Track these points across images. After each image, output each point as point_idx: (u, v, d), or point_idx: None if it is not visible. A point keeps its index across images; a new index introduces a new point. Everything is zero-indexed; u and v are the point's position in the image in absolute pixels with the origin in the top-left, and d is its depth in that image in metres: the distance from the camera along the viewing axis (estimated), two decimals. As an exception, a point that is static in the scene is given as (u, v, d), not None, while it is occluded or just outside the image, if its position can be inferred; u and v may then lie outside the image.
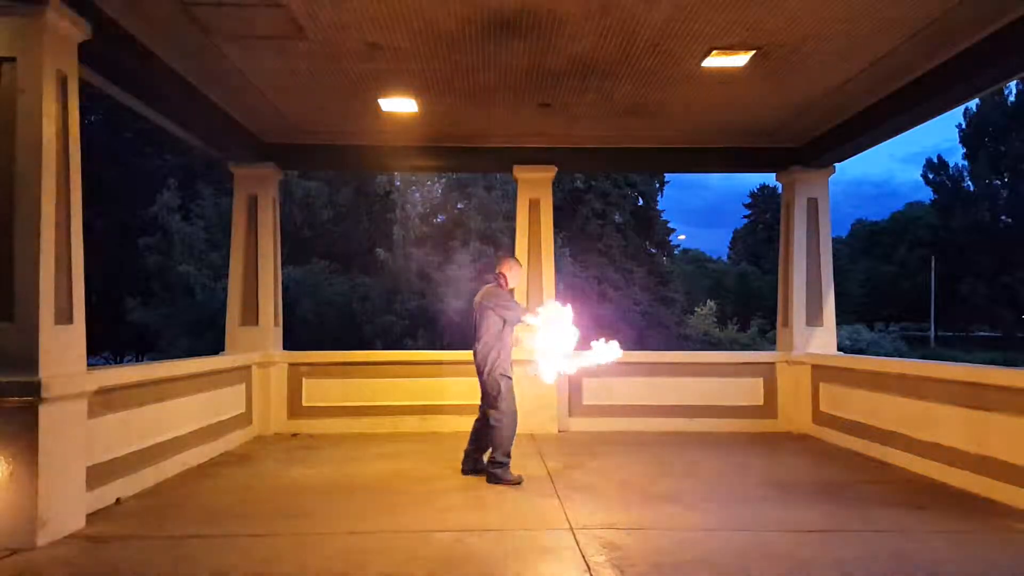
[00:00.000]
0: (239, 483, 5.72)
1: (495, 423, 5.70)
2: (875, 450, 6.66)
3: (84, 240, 4.60)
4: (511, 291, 6.05)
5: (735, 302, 41.62)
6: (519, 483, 5.61)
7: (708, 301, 34.22)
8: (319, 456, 6.77)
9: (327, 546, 4.11)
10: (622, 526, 4.52)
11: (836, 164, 8.42)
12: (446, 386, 8.19)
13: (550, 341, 5.52)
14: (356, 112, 7.13)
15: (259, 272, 8.20)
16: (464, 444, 6.02)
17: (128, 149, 22.72)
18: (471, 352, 5.85)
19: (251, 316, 8.16)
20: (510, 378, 5.78)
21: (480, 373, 5.79)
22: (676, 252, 41.40)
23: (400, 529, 4.45)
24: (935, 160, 45.87)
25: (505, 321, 5.75)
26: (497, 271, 6.01)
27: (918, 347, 37.59)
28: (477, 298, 5.91)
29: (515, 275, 6.06)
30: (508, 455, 5.71)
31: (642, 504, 5.08)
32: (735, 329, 33.49)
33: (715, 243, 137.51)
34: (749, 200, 60.46)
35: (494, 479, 5.65)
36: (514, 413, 5.80)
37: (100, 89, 5.73)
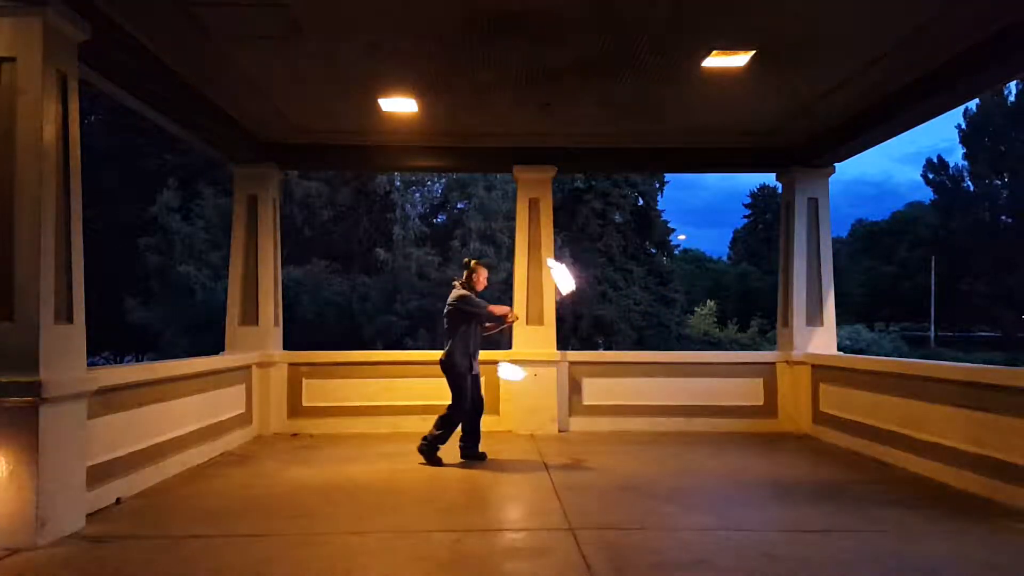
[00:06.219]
0: (239, 483, 5.71)
1: (448, 411, 6.40)
2: (875, 450, 6.66)
3: (84, 240, 4.60)
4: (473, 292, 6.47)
5: (735, 302, 41.67)
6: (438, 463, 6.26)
7: (708, 301, 34.28)
8: (319, 456, 6.77)
9: (327, 546, 4.11)
10: (622, 526, 4.52)
11: (836, 164, 8.42)
12: (446, 386, 8.15)
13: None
14: (356, 112, 7.12)
15: (259, 272, 8.19)
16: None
17: (128, 149, 22.74)
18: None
19: (251, 316, 8.15)
20: (463, 374, 6.39)
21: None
22: (676, 252, 41.43)
23: (400, 529, 4.44)
24: (935, 160, 45.90)
25: (467, 317, 6.35)
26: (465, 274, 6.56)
27: (918, 347, 37.58)
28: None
29: (477, 278, 6.54)
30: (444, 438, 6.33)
31: (642, 504, 5.08)
32: (735, 329, 33.54)
33: (715, 243, 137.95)
34: (749, 200, 60.54)
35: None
36: (464, 412, 6.39)
37: (100, 89, 5.73)
